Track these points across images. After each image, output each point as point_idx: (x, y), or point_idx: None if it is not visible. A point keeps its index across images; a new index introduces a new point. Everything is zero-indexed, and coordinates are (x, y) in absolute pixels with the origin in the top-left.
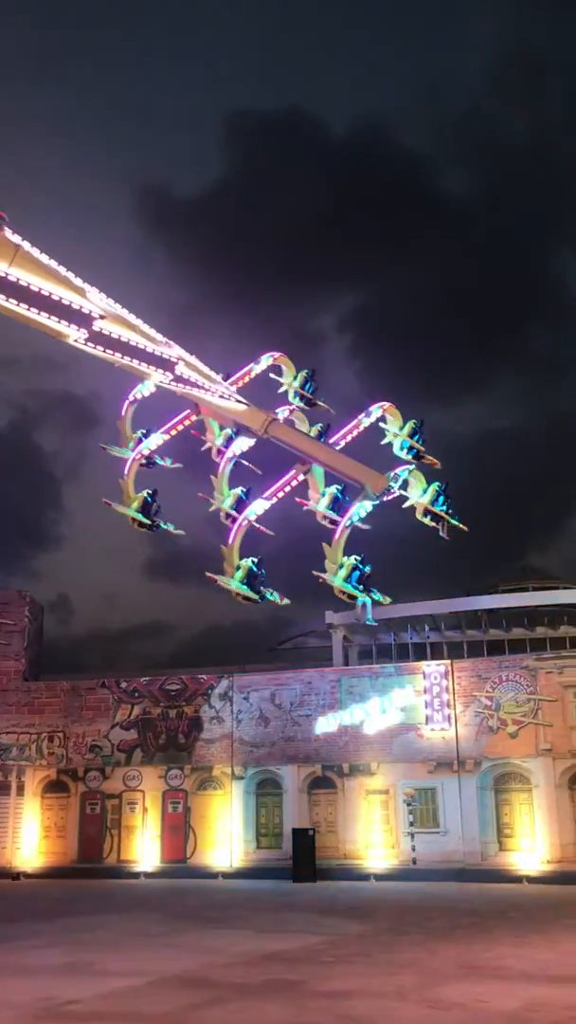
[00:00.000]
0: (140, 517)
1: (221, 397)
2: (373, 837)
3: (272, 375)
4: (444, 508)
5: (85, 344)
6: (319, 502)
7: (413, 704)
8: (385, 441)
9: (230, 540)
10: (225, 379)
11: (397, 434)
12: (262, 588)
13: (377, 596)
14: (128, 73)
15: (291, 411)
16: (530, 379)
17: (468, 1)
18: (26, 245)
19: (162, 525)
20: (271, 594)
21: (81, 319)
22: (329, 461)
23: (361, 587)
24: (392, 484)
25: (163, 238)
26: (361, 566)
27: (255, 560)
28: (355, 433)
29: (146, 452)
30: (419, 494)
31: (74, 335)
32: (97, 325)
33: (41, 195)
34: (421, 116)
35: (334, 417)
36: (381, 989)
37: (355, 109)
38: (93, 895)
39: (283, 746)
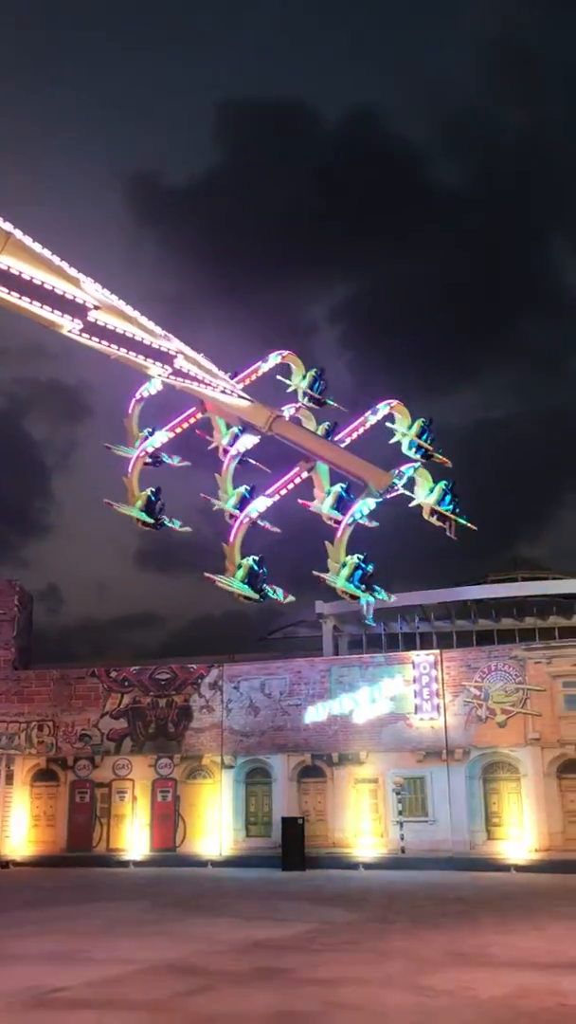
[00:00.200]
0: (143, 516)
1: (223, 392)
2: (362, 826)
3: (279, 376)
4: (451, 508)
5: (80, 335)
6: (324, 501)
7: (402, 694)
8: (393, 440)
9: (231, 538)
10: (232, 378)
11: (405, 433)
12: (265, 586)
13: (381, 595)
14: (120, 63)
15: (297, 408)
16: (524, 371)
17: None
18: (18, 233)
19: (167, 523)
20: (273, 592)
21: (75, 309)
22: (333, 458)
23: (363, 587)
24: (396, 481)
25: (154, 228)
26: (363, 565)
27: (256, 558)
28: (360, 431)
29: (150, 450)
30: (425, 493)
31: (68, 325)
32: (92, 316)
33: (30, 182)
34: (415, 108)
35: (345, 415)
36: (369, 977)
37: (349, 100)
38: (82, 884)
39: (273, 735)
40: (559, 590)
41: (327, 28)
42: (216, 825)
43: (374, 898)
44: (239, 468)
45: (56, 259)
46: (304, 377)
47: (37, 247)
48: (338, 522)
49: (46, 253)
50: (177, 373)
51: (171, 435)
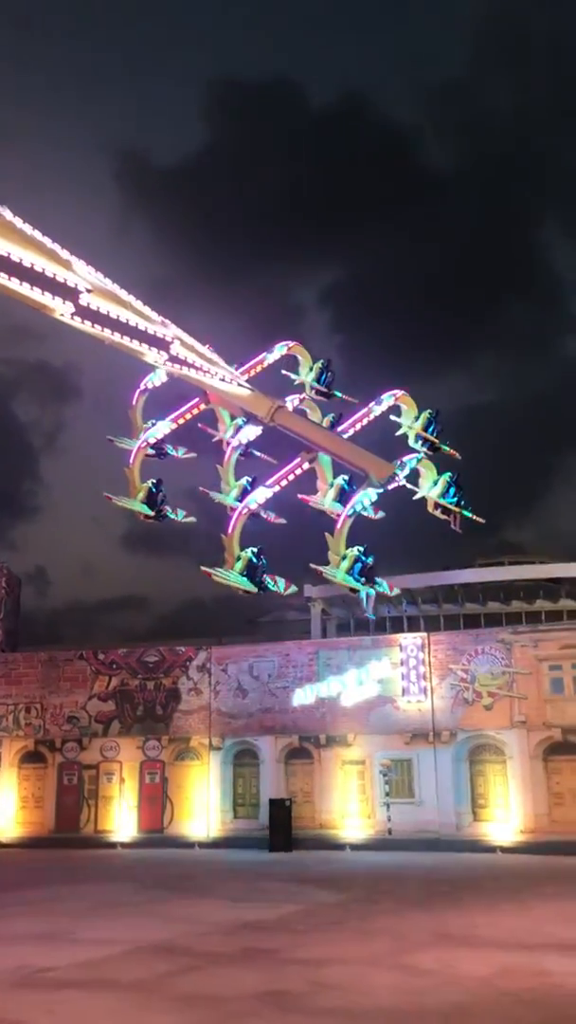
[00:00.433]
0: (144, 509)
1: (222, 380)
2: (349, 807)
3: (284, 371)
4: (454, 500)
5: (72, 318)
6: (326, 493)
7: (390, 676)
8: (400, 432)
9: (230, 529)
10: (236, 369)
11: (411, 426)
12: (264, 577)
13: (383, 588)
14: (110, 39)
15: (301, 399)
16: (512, 355)
17: None
18: (7, 213)
19: (169, 515)
20: (273, 584)
21: (67, 293)
22: (334, 448)
23: (363, 580)
24: (398, 472)
25: (143, 208)
26: (364, 557)
27: (255, 550)
28: (364, 422)
29: (151, 441)
30: (429, 486)
31: (60, 309)
32: (84, 299)
33: (15, 160)
34: (406, 89)
35: (353, 407)
36: (355, 956)
37: (339, 81)
38: (70, 865)
39: (260, 717)
40: (545, 574)
41: (317, 8)
42: (204, 807)
43: (360, 879)
44: (243, 460)
45: (48, 241)
46: (311, 369)
47: (28, 228)
48: (340, 514)
49: (37, 235)
50: (174, 360)
51: (173, 426)
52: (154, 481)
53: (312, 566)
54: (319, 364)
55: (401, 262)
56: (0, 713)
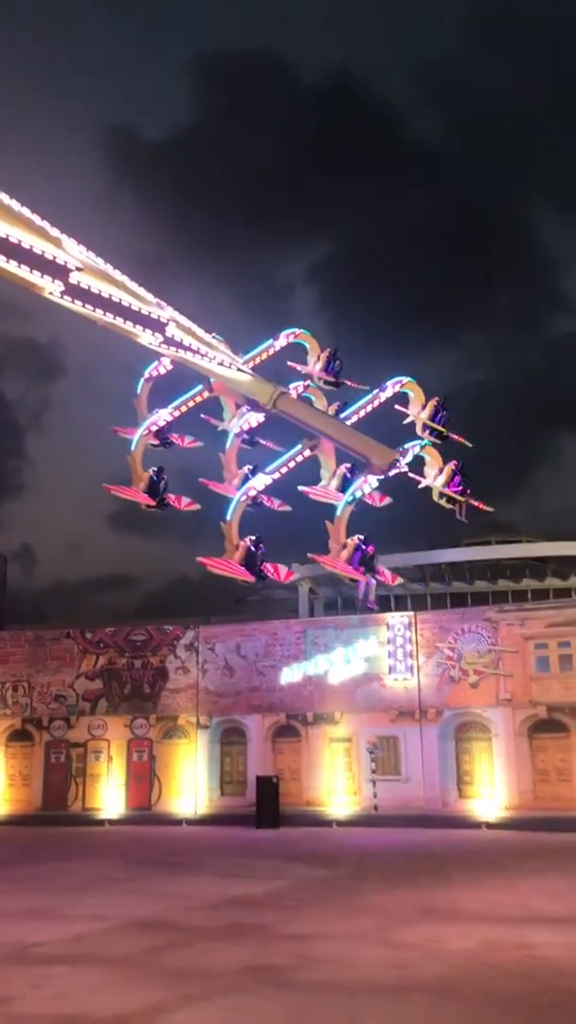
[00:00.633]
0: (145, 500)
1: (221, 365)
2: (336, 785)
3: (290, 363)
4: (459, 489)
5: (62, 298)
6: (329, 482)
7: (377, 655)
8: (407, 421)
9: (228, 516)
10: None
11: (418, 415)
12: (264, 565)
13: (380, 579)
14: (98, 13)
15: (306, 386)
16: (501, 333)
17: None
18: None
19: (171, 504)
20: (272, 572)
21: (56, 271)
22: (336, 435)
23: (363, 568)
24: (399, 458)
25: (130, 184)
26: (363, 546)
27: (254, 538)
28: (369, 408)
29: (153, 429)
30: (434, 473)
31: (50, 287)
32: (74, 278)
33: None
34: (396, 65)
35: (361, 393)
36: (342, 932)
37: (329, 54)
38: (58, 842)
39: (248, 696)
40: (532, 553)
41: None
42: (191, 784)
43: (347, 855)
44: (249, 449)
45: (37, 218)
46: (319, 358)
47: (15, 205)
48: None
49: (25, 212)
50: (169, 342)
51: (176, 414)
52: (155, 469)
53: (310, 556)
54: (326, 352)
55: (390, 239)
56: None
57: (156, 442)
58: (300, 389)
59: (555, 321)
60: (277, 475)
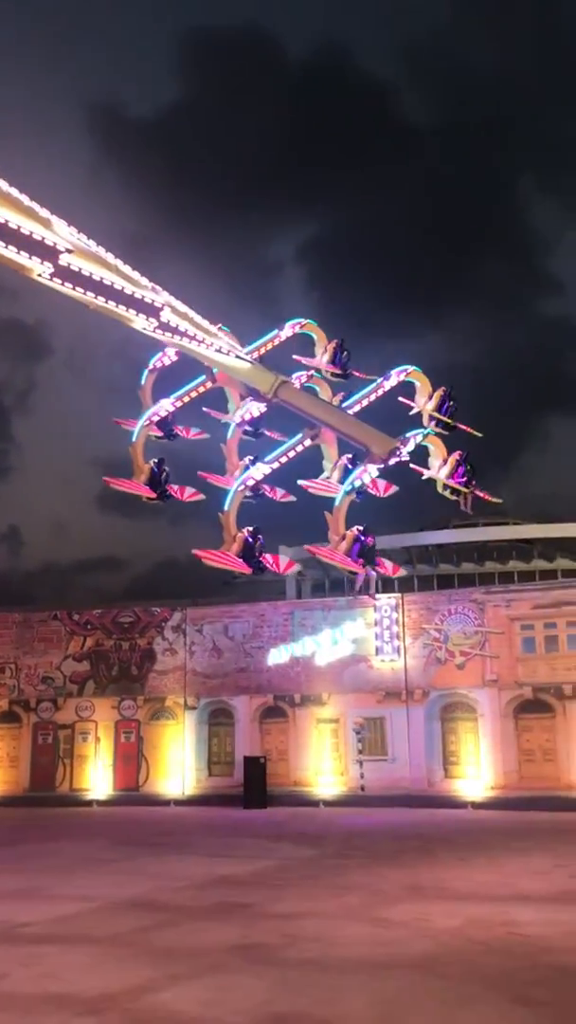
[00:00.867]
0: (145, 493)
1: (219, 352)
2: (323, 765)
3: (295, 356)
4: (463, 481)
5: (51, 280)
6: (332, 473)
7: (364, 636)
8: (413, 412)
9: (226, 505)
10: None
11: (424, 406)
12: (263, 556)
13: (381, 571)
14: None
15: (309, 375)
16: (489, 315)
17: None
18: None
19: (173, 495)
20: (271, 564)
21: (46, 252)
22: (337, 424)
23: (361, 560)
24: (400, 448)
25: (115, 161)
26: (363, 537)
27: (252, 529)
28: (372, 398)
29: (155, 419)
30: (438, 464)
31: (39, 269)
32: (64, 260)
33: None
34: (385, 43)
35: (365, 383)
36: (329, 910)
37: (317, 34)
38: (45, 823)
39: (236, 677)
40: (519, 535)
41: None
42: (179, 765)
43: (334, 835)
44: (254, 440)
45: (25, 199)
46: (326, 349)
47: (3, 184)
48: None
49: (14, 192)
50: (164, 327)
51: (178, 404)
52: (155, 461)
53: (307, 548)
54: (333, 344)
55: (378, 218)
56: None
57: (160, 434)
58: (303, 379)
59: (543, 303)
60: (276, 464)
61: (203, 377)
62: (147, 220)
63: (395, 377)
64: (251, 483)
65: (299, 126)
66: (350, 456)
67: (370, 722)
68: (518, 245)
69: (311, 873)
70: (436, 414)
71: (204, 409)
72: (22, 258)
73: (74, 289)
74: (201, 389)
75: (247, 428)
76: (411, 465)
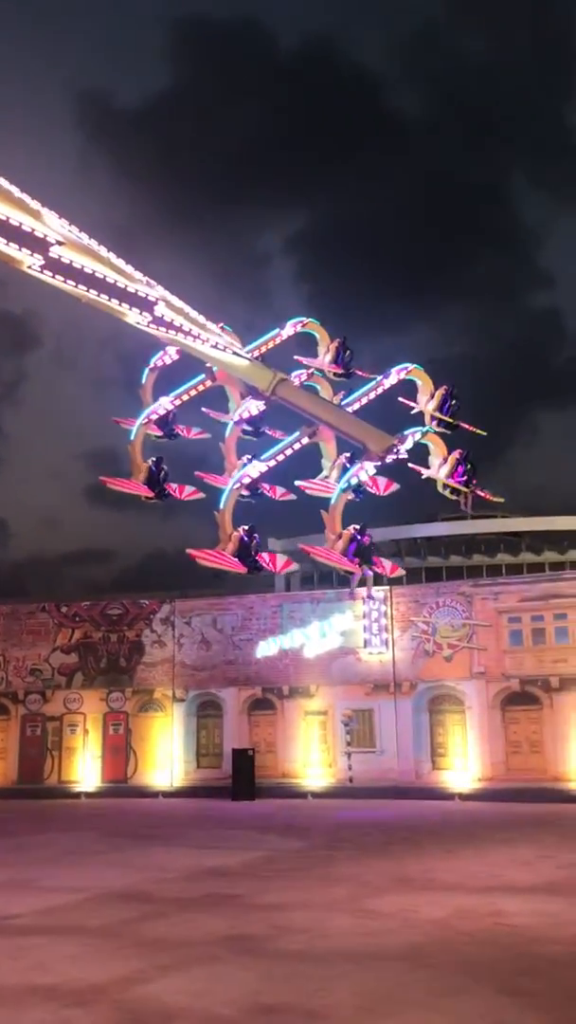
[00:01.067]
0: (143, 492)
1: (216, 348)
2: (311, 757)
3: (296, 357)
4: (463, 480)
5: (42, 272)
6: (331, 472)
7: (352, 629)
8: (415, 411)
9: (221, 504)
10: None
11: (425, 406)
12: (260, 555)
13: (379, 571)
14: None
15: (309, 374)
16: (480, 308)
17: None
18: None
19: (172, 494)
20: (267, 564)
21: (36, 244)
22: (334, 421)
23: (357, 559)
24: (398, 445)
25: (104, 151)
26: (359, 536)
27: (247, 528)
28: (371, 396)
29: (153, 417)
30: (438, 463)
31: (28, 261)
32: (54, 252)
33: None
34: (376, 34)
35: (365, 381)
36: (317, 901)
37: (307, 24)
38: (34, 815)
39: (224, 669)
40: (506, 528)
41: None
42: (167, 757)
43: (322, 826)
44: (255, 440)
45: (16, 190)
46: (328, 349)
47: None
48: (356, 491)
49: (3, 182)
50: (158, 322)
51: (177, 403)
52: (154, 459)
53: (301, 547)
54: (335, 343)
55: (368, 210)
56: None
57: (160, 433)
58: (303, 377)
59: (534, 297)
60: (273, 462)
61: (202, 375)
62: (135, 211)
63: (395, 375)
64: (247, 481)
65: (290, 117)
66: (348, 455)
67: (358, 714)
68: (509, 238)
69: (299, 865)
70: (438, 414)
71: (203, 410)
72: (11, 249)
73: (65, 282)
74: (200, 387)
75: (246, 427)
76: (410, 464)
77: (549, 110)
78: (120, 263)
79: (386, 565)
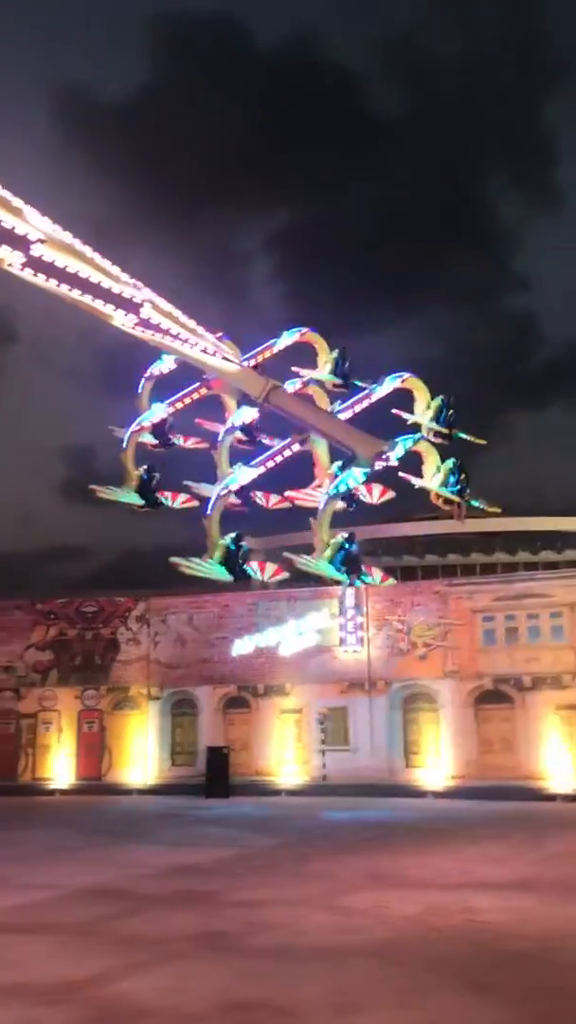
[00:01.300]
0: (135, 501)
1: (204, 352)
2: (286, 755)
3: (294, 368)
4: (456, 490)
5: (22, 270)
6: (323, 480)
7: (328, 627)
8: (411, 421)
9: (208, 510)
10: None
11: (419, 419)
12: (245, 564)
13: (368, 580)
14: None
15: (304, 383)
16: (458, 310)
17: None
18: None
19: (164, 502)
20: (254, 572)
21: (15, 241)
22: (325, 428)
23: (345, 569)
24: (387, 451)
25: (82, 146)
26: (347, 544)
27: (233, 536)
28: (364, 404)
29: (146, 424)
30: (432, 473)
31: (9, 258)
32: (36, 250)
33: None
34: (355, 33)
35: (372, 388)
36: (290, 898)
37: (287, 22)
38: (7, 812)
39: (199, 667)
40: (481, 528)
41: None
42: (142, 755)
43: (295, 824)
44: (251, 448)
45: None
46: (328, 360)
47: None
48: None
49: None
50: (145, 324)
51: (171, 410)
52: (145, 468)
53: (286, 555)
54: (334, 354)
55: (347, 210)
56: None
57: (156, 443)
58: (299, 387)
59: (511, 299)
60: (263, 469)
61: (197, 383)
62: (112, 207)
63: (388, 384)
64: (235, 487)
65: (269, 115)
66: (340, 463)
67: (333, 712)
68: (487, 239)
69: (272, 862)
70: (433, 425)
71: (197, 421)
72: None
73: (47, 281)
74: (196, 395)
75: (239, 434)
76: (400, 473)
77: (527, 110)
78: (105, 263)
79: (376, 573)
